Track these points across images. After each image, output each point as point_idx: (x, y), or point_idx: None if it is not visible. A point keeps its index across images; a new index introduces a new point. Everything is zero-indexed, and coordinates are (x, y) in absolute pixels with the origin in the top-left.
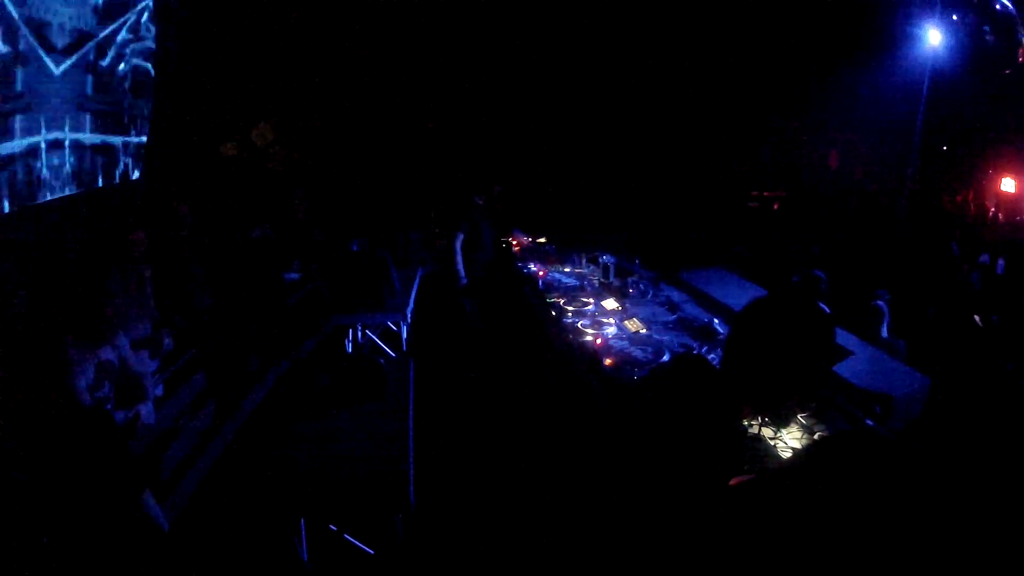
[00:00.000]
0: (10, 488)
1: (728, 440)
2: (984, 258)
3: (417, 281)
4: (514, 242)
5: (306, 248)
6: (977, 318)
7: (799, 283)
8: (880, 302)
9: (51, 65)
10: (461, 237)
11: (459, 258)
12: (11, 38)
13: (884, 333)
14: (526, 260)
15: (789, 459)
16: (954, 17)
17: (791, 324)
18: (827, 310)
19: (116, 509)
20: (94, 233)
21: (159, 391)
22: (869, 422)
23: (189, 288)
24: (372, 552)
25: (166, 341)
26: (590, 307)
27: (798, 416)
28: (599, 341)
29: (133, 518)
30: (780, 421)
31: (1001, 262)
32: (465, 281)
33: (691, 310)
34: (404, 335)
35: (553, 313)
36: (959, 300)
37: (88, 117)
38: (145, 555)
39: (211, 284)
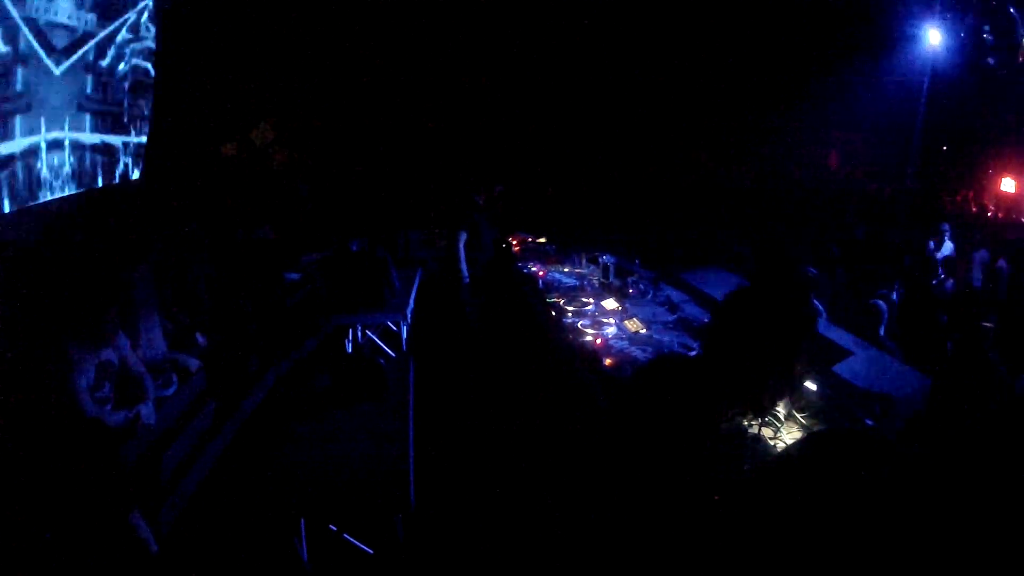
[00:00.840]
0: (10, 488)
1: (713, 433)
2: (983, 255)
3: (417, 281)
4: (514, 241)
5: (310, 243)
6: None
7: (792, 279)
8: (880, 302)
9: (51, 65)
10: (464, 236)
11: (462, 256)
12: (11, 38)
13: (881, 333)
14: (526, 260)
15: (778, 455)
16: (952, 23)
17: (769, 314)
18: (819, 307)
19: (108, 520)
20: (95, 233)
21: (174, 388)
22: (869, 422)
23: (194, 290)
24: (372, 552)
25: (199, 338)
26: (590, 307)
27: (792, 412)
28: (599, 341)
29: (123, 532)
30: (760, 412)
31: (1002, 263)
32: (468, 280)
33: (691, 310)
34: (404, 335)
35: (553, 313)
36: (964, 300)
37: (88, 117)
38: (140, 563)
39: (212, 285)
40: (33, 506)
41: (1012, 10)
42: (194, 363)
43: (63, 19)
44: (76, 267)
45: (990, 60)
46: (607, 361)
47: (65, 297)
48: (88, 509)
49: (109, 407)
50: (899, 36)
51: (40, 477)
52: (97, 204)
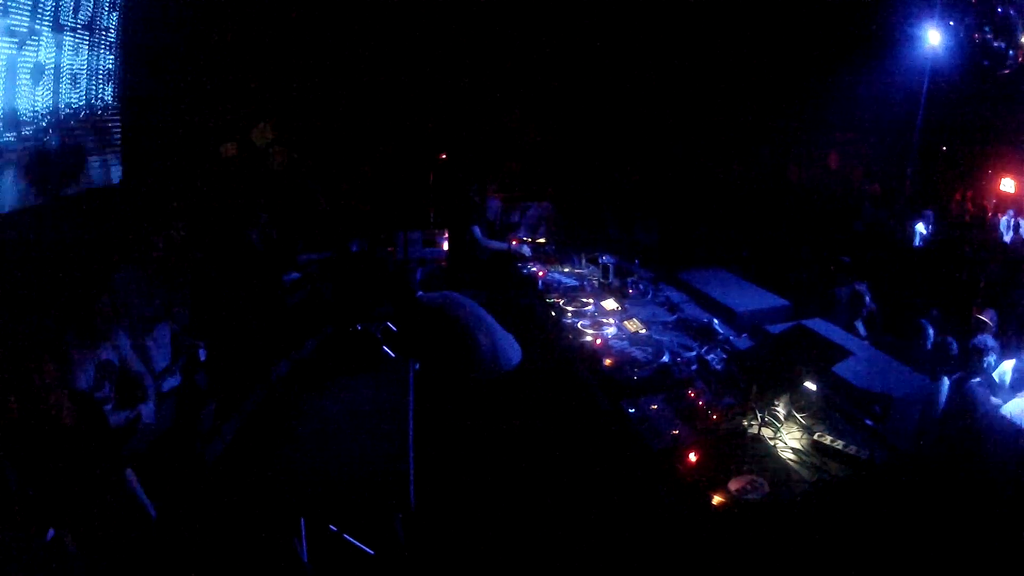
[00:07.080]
0: (11, 487)
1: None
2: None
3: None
4: (514, 242)
5: (310, 244)
6: (990, 316)
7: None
8: (861, 286)
9: None
10: (477, 229)
11: (485, 244)
12: None
13: (859, 326)
14: (525, 260)
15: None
16: (951, 24)
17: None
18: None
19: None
20: (95, 233)
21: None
22: (869, 422)
23: (194, 291)
24: (372, 552)
25: (201, 352)
26: (590, 307)
27: (792, 412)
28: (599, 341)
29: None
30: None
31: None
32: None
33: (691, 310)
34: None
35: (553, 313)
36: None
37: None
38: (140, 552)
39: (212, 285)
40: (33, 505)
41: (1012, 11)
42: (195, 362)
43: None
44: (75, 266)
45: (988, 61)
46: (607, 361)
47: (64, 296)
48: (87, 507)
49: (109, 407)
50: (899, 36)
51: (40, 476)
52: (96, 205)
